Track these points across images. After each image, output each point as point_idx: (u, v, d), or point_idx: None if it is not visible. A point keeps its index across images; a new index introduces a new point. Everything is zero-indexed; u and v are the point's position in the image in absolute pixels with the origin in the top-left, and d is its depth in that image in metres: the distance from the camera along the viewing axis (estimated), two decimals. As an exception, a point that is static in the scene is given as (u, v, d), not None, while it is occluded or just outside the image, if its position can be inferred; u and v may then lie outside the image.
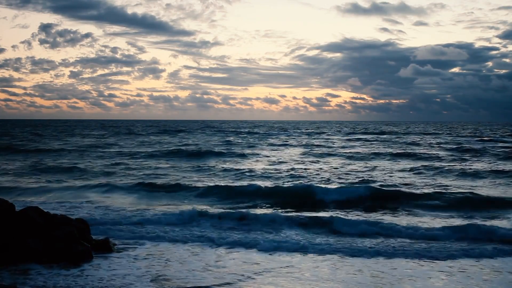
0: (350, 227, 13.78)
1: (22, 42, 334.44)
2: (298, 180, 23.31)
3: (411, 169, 27.64)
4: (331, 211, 16.60)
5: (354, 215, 15.69)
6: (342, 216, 15.08)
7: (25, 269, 9.74)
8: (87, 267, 10.06)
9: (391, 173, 26.17)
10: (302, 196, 19.11)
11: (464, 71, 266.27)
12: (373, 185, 21.01)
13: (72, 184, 22.56)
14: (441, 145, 47.49)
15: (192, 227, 14.02)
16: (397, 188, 20.59)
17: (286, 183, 22.45)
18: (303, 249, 11.67)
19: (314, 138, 63.45)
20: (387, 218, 15.17)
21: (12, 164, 30.49)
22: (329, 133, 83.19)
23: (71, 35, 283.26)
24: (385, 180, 23.23)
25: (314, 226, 14.15)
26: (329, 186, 20.84)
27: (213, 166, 29.58)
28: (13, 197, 18.26)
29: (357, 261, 10.82)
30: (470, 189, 20.62)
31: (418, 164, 30.19)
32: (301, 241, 12.38)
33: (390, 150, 41.39)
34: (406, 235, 12.99)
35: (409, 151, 39.73)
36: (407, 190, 20.15)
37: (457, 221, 14.74)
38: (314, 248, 11.69)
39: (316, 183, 21.74)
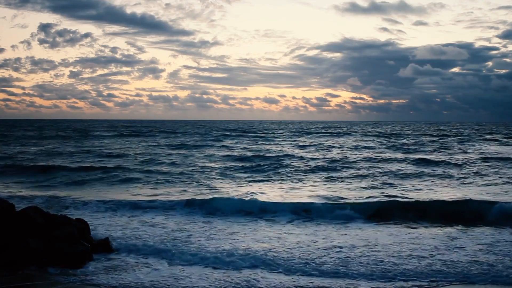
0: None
1: (22, 42, 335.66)
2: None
3: None
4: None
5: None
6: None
7: (25, 269, 9.75)
8: (87, 267, 10.07)
9: None
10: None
11: (464, 71, 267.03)
12: None
13: None
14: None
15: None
16: None
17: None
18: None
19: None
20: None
21: None
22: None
23: (71, 35, 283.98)
24: None
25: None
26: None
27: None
28: None
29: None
30: None
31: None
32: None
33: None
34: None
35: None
36: None
37: None
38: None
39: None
